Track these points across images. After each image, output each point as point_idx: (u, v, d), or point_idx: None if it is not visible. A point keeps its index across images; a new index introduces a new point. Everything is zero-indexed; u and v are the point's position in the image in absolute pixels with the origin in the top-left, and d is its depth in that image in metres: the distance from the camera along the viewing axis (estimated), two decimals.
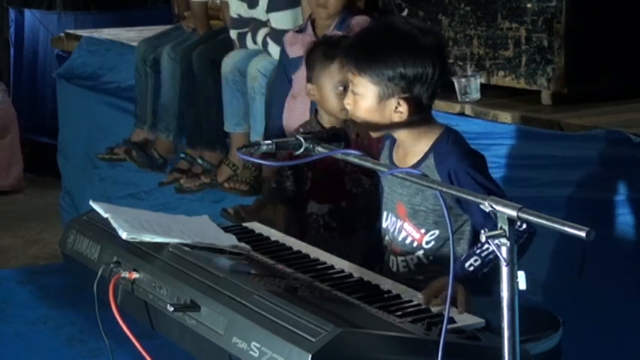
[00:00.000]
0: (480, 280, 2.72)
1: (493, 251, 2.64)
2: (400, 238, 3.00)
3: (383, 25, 2.99)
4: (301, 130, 3.68)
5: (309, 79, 3.73)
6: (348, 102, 2.91)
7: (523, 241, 2.70)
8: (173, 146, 5.90)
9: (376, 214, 3.33)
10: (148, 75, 5.96)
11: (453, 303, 2.57)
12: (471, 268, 2.73)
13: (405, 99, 2.81)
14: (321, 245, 3.33)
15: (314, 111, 3.78)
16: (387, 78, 2.79)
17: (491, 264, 2.72)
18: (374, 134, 2.96)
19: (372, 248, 3.22)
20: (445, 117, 4.27)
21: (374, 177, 3.58)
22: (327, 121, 3.67)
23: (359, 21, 4.39)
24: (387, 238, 3.07)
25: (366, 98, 2.84)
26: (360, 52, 2.85)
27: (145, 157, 5.91)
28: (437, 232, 2.94)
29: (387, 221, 3.06)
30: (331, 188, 3.64)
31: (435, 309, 2.55)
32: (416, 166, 2.88)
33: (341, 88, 3.58)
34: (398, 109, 2.83)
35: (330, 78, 3.62)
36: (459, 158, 2.85)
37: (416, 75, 2.79)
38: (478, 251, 2.76)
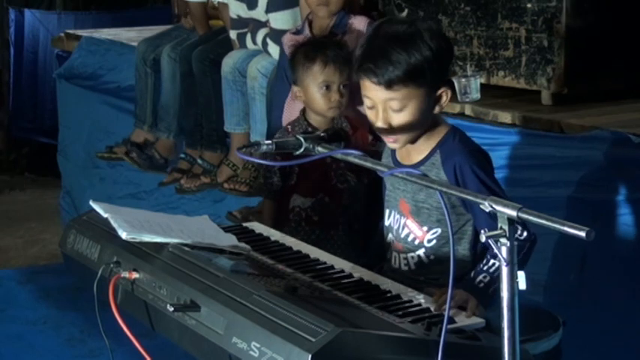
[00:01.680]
0: (492, 296, 2.71)
1: (500, 266, 2.67)
2: (403, 235, 3.00)
3: (386, 34, 2.82)
4: (289, 128, 3.71)
5: (294, 82, 3.76)
6: (384, 118, 2.77)
7: (525, 251, 2.71)
8: (174, 146, 5.91)
9: (362, 212, 3.35)
10: (148, 75, 5.96)
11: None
12: (481, 285, 2.73)
13: (447, 86, 2.82)
14: (300, 238, 3.34)
15: (301, 110, 3.80)
16: (430, 76, 2.75)
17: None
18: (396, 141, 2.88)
19: (374, 247, 3.22)
20: (444, 118, 4.27)
21: (359, 174, 3.60)
22: (314, 120, 3.69)
23: (357, 21, 4.38)
24: (390, 236, 3.07)
25: (414, 102, 2.77)
26: (392, 71, 2.73)
27: (146, 158, 5.92)
28: (439, 230, 2.93)
29: (390, 219, 3.06)
30: (317, 183, 3.66)
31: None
32: (422, 162, 2.88)
33: (324, 88, 3.62)
34: (445, 96, 2.82)
35: (313, 79, 3.66)
36: (465, 155, 2.85)
37: (439, 49, 2.75)
38: (485, 267, 2.76)
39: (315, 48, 3.73)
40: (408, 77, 2.73)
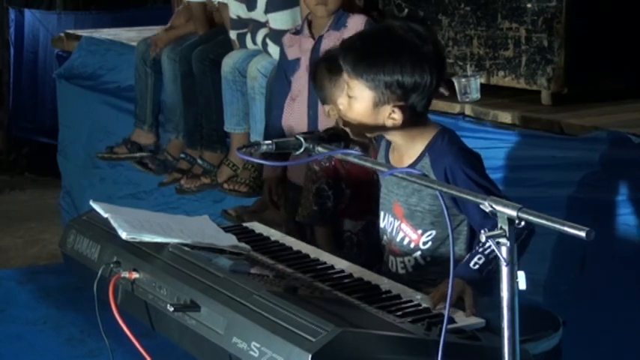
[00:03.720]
0: (486, 279, 2.71)
1: None
2: (398, 239, 3.00)
3: (383, 30, 2.94)
4: None
5: (322, 101, 3.70)
6: (342, 102, 2.89)
7: (524, 237, 2.69)
8: (183, 146, 5.89)
9: None
10: (147, 75, 5.96)
11: (461, 305, 2.57)
12: (476, 267, 2.72)
13: (399, 107, 2.80)
14: (355, 262, 3.30)
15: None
16: (384, 85, 2.77)
17: (495, 261, 2.71)
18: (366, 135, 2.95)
19: (371, 248, 3.22)
20: (445, 118, 4.27)
21: None
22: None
23: (355, 20, 4.38)
24: (385, 238, 3.08)
25: (361, 102, 2.82)
26: (359, 57, 2.82)
27: (159, 163, 5.91)
28: (434, 232, 2.94)
29: (385, 221, 3.06)
30: (364, 205, 3.61)
31: (441, 310, 2.55)
32: (412, 167, 2.86)
33: None
34: (391, 116, 2.81)
35: (343, 92, 3.61)
36: (454, 157, 2.84)
37: (413, 84, 2.77)
38: (481, 250, 2.75)
39: (335, 60, 3.69)
40: (363, 73, 2.79)
